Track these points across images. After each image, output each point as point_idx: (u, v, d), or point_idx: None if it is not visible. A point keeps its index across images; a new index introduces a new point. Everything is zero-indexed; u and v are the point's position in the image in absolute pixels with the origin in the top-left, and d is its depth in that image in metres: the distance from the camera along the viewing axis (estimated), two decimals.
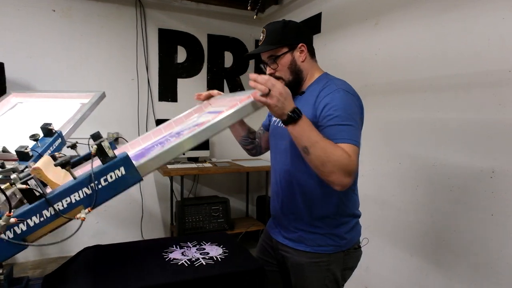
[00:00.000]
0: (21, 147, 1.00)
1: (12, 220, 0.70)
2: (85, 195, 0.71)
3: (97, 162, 1.06)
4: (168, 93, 3.34)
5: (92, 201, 0.71)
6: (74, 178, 0.72)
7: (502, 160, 1.52)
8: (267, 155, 1.46)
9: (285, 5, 3.20)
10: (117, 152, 1.06)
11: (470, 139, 1.65)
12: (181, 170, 2.91)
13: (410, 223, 1.98)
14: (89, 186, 0.71)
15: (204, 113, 1.27)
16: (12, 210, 0.71)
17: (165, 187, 3.34)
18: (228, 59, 3.57)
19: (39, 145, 1.07)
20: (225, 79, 3.58)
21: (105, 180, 0.72)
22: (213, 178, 3.58)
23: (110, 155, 0.73)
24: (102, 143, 0.72)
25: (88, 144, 1.08)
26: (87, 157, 1.05)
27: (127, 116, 3.17)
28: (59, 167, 0.96)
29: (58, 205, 0.69)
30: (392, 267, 2.10)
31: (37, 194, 0.68)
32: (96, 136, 1.09)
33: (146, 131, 3.21)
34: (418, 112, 1.91)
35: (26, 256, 2.80)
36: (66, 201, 0.70)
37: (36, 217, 0.68)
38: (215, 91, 1.35)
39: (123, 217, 3.16)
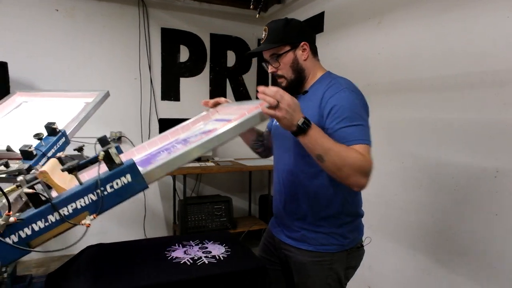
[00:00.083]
0: (25, 146, 1.00)
1: (12, 219, 0.70)
2: (90, 201, 0.71)
3: (102, 167, 1.08)
4: (170, 92, 3.34)
5: (97, 208, 0.71)
6: (81, 183, 0.72)
7: (506, 159, 1.52)
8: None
9: (288, 4, 3.19)
10: (123, 157, 1.07)
11: (474, 138, 1.64)
12: (184, 169, 2.92)
13: (412, 222, 1.98)
14: (94, 192, 0.71)
15: (211, 120, 1.27)
16: (17, 213, 0.72)
17: (168, 186, 3.35)
18: (231, 58, 3.57)
19: (43, 144, 1.08)
20: (228, 78, 3.58)
21: (111, 186, 0.72)
22: (215, 177, 3.59)
23: (117, 161, 0.73)
24: (110, 150, 0.72)
25: (95, 149, 1.09)
26: (93, 161, 1.08)
27: (130, 115, 3.18)
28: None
29: (63, 211, 0.69)
30: (395, 267, 2.10)
31: (43, 198, 0.68)
32: (103, 140, 1.11)
33: (149, 130, 3.23)
34: (421, 112, 1.91)
35: (30, 254, 2.78)
36: (72, 206, 0.70)
37: (41, 221, 0.68)
38: (222, 99, 1.33)
39: (126, 215, 3.18)
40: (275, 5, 3.29)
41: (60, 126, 1.16)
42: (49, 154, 1.07)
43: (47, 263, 2.77)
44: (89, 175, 1.04)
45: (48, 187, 0.83)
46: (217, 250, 1.29)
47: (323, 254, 1.21)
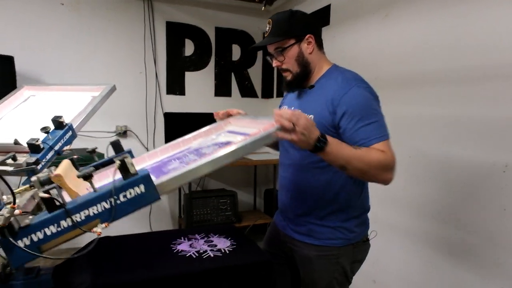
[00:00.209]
0: (32, 139, 1.01)
1: (17, 211, 0.71)
2: (103, 209, 0.72)
3: (106, 174, 1.09)
4: (176, 86, 3.34)
5: (110, 217, 0.72)
6: (95, 190, 0.73)
7: None
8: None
9: None
10: (134, 162, 1.10)
11: (482, 133, 1.62)
12: None
13: (419, 217, 1.97)
14: (108, 201, 0.72)
15: (223, 131, 1.27)
16: (30, 216, 0.72)
17: None
18: (236, 52, 3.55)
19: (50, 137, 1.08)
20: (233, 72, 3.57)
21: (124, 196, 0.73)
22: (221, 171, 3.59)
23: (132, 171, 0.73)
24: (126, 160, 0.73)
25: (106, 152, 1.12)
26: (105, 164, 1.10)
27: (135, 109, 3.18)
28: (76, 172, 0.98)
29: (76, 217, 0.70)
30: (401, 261, 2.10)
31: (57, 203, 0.69)
32: (116, 145, 1.12)
33: (154, 124, 3.24)
34: (429, 105, 1.89)
35: None
36: (85, 213, 0.71)
37: (54, 226, 0.69)
38: (234, 110, 1.32)
39: None
40: None
41: (67, 119, 1.16)
42: (56, 147, 1.07)
43: (54, 255, 2.80)
44: (99, 178, 1.07)
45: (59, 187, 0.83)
46: (223, 243, 1.29)
47: (330, 248, 1.21)
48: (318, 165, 1.18)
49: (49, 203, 0.68)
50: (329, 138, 0.98)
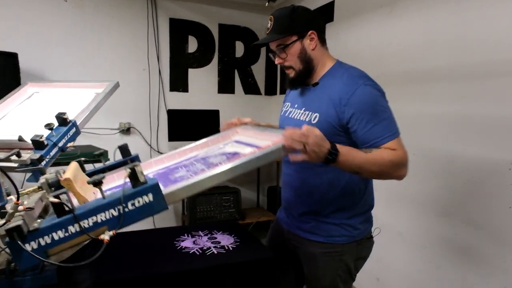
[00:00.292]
0: (36, 136, 1.01)
1: (21, 207, 0.70)
2: (111, 216, 0.72)
3: (112, 177, 1.10)
4: (179, 83, 3.34)
5: (117, 224, 0.72)
6: (104, 197, 0.73)
7: None
8: None
9: None
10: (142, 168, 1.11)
11: (488, 130, 1.61)
12: None
13: (423, 215, 1.96)
14: (116, 208, 0.72)
15: (231, 141, 1.26)
16: (38, 219, 0.73)
17: None
18: (239, 49, 3.54)
19: (54, 134, 1.08)
20: (236, 69, 3.56)
21: (133, 204, 0.73)
22: None
23: (141, 180, 0.74)
24: (136, 168, 0.73)
25: (114, 156, 1.13)
26: (111, 168, 1.12)
27: (138, 106, 3.19)
28: (84, 175, 0.99)
29: (84, 223, 0.70)
30: (404, 260, 2.09)
31: (67, 209, 0.69)
32: (123, 149, 1.13)
33: (158, 121, 3.24)
34: (433, 102, 1.87)
35: None
36: (93, 219, 0.71)
37: (62, 231, 0.69)
38: (245, 119, 1.33)
39: None
40: None
41: (70, 116, 1.16)
42: (60, 144, 1.07)
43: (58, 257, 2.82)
44: (105, 181, 1.07)
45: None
46: (226, 240, 1.29)
47: (334, 245, 1.21)
48: (323, 164, 1.17)
49: (58, 208, 0.69)
50: (339, 147, 0.98)
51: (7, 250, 0.70)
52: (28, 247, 0.67)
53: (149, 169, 1.13)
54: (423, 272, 1.96)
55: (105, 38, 3.00)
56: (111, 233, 0.71)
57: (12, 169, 0.98)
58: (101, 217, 0.71)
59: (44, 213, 0.84)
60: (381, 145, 1.06)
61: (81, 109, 1.27)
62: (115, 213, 0.72)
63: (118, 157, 1.15)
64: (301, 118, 1.22)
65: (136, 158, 1.16)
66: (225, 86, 3.53)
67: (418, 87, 1.97)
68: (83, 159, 1.03)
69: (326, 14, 2.67)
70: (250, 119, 1.34)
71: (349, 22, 2.49)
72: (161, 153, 3.28)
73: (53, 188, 0.89)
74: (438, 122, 1.85)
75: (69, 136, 1.12)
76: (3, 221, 0.71)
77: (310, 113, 1.18)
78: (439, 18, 1.82)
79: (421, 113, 1.94)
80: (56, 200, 0.68)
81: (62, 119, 1.11)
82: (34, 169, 0.95)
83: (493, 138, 1.59)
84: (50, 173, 0.97)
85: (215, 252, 1.19)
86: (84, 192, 0.85)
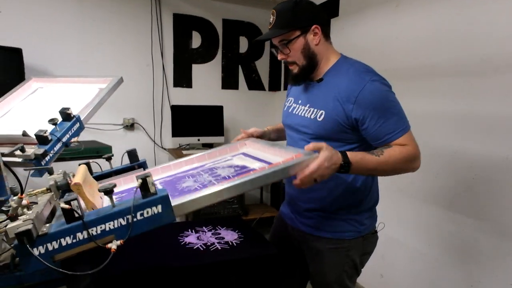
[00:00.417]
0: (40, 131, 1.01)
1: (24, 202, 0.70)
2: (119, 225, 0.72)
3: (119, 182, 1.10)
4: (183, 79, 3.33)
5: (125, 234, 0.72)
6: (113, 206, 0.74)
7: None
8: (285, 142, 1.43)
9: None
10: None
11: (495, 125, 1.59)
12: None
13: (428, 212, 1.94)
14: (125, 218, 0.72)
15: (239, 153, 1.27)
16: (47, 224, 0.73)
17: None
18: (243, 44, 3.52)
19: (58, 129, 1.08)
20: (240, 65, 3.54)
21: (141, 214, 0.73)
22: None
23: (152, 191, 0.74)
24: (148, 178, 0.73)
25: (121, 160, 1.16)
26: (118, 172, 1.14)
27: (142, 102, 3.19)
28: (92, 178, 0.99)
29: (92, 230, 0.70)
30: (408, 256, 2.08)
31: (76, 215, 0.69)
32: (132, 154, 1.15)
33: (161, 117, 3.24)
34: (439, 98, 1.85)
35: None
36: (101, 227, 0.71)
37: (70, 237, 0.69)
38: (256, 132, 1.36)
39: None
40: None
41: (74, 111, 1.16)
42: (64, 139, 1.07)
43: None
44: (109, 183, 1.07)
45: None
46: (230, 236, 1.29)
47: (340, 241, 1.21)
48: None
49: (68, 214, 0.69)
50: (351, 157, 0.99)
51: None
52: (35, 251, 0.67)
53: (156, 176, 1.14)
54: (427, 268, 1.95)
55: (109, 33, 3.00)
56: (118, 242, 0.71)
57: (17, 164, 0.98)
58: (109, 225, 0.72)
59: (50, 216, 0.84)
60: (392, 141, 1.06)
61: (85, 104, 1.27)
62: (124, 222, 0.72)
63: (126, 161, 1.18)
64: (306, 115, 1.20)
65: (143, 164, 1.17)
66: (229, 82, 3.52)
67: (424, 82, 1.94)
68: (91, 161, 1.04)
69: (331, 9, 2.65)
70: (254, 129, 1.36)
71: (355, 17, 2.47)
72: (164, 149, 3.29)
73: (61, 191, 0.90)
74: (443, 117, 1.83)
75: (73, 131, 1.12)
76: (2, 217, 0.71)
77: (316, 110, 1.16)
78: (445, 13, 1.80)
79: (427, 108, 1.92)
80: (67, 206, 0.68)
81: (66, 114, 1.11)
82: (42, 169, 0.95)
83: (498, 135, 1.57)
84: (58, 174, 0.98)
85: (219, 248, 1.18)
86: (92, 197, 0.86)
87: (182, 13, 3.23)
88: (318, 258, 1.25)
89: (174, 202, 0.78)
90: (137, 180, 0.73)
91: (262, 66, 3.63)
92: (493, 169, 1.60)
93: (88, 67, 2.92)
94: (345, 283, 1.24)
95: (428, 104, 1.91)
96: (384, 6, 2.20)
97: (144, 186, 0.73)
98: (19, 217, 0.72)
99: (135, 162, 1.17)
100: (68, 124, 1.11)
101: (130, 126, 3.13)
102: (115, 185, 0.74)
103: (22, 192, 0.68)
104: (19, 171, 0.90)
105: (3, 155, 0.93)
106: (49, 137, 1.02)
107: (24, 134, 1.05)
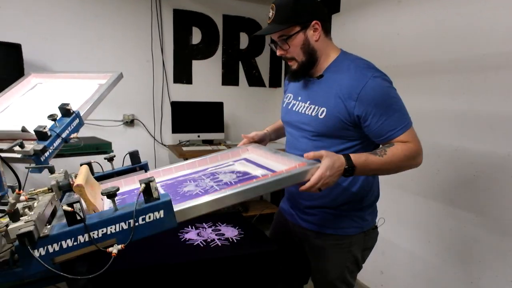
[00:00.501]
0: (40, 126, 1.00)
1: (22, 197, 0.70)
2: (121, 229, 0.72)
3: (120, 183, 1.10)
4: (183, 75, 3.32)
5: (127, 238, 0.72)
6: (116, 209, 0.73)
7: None
8: (284, 139, 1.42)
9: None
10: (148, 175, 1.12)
11: (496, 122, 1.58)
12: (196, 152, 2.92)
13: (428, 208, 1.94)
14: (127, 222, 0.72)
15: (241, 158, 1.27)
16: (48, 225, 0.73)
17: None
18: (244, 40, 3.50)
19: (57, 125, 1.07)
20: (240, 61, 3.53)
21: (143, 219, 0.73)
22: None
23: (154, 196, 0.74)
24: (151, 183, 0.73)
25: (123, 161, 1.16)
26: (119, 173, 1.14)
27: (142, 98, 3.17)
28: (93, 180, 0.99)
29: (93, 233, 0.70)
30: (409, 253, 2.08)
31: (78, 218, 0.69)
32: (133, 155, 1.15)
33: (161, 113, 3.23)
34: (442, 94, 1.84)
35: None
36: (102, 231, 0.71)
37: (71, 240, 0.69)
38: (251, 134, 1.36)
39: None
40: None
41: (74, 107, 1.15)
42: (63, 135, 1.07)
43: None
44: (112, 185, 1.06)
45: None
46: (230, 232, 1.29)
47: (343, 237, 1.21)
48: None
49: (70, 217, 0.69)
50: (354, 160, 1.00)
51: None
52: (36, 253, 0.66)
53: (158, 179, 1.15)
54: (427, 265, 1.95)
55: (108, 29, 2.98)
56: (119, 247, 0.71)
57: (16, 160, 0.97)
58: (111, 229, 0.71)
59: (50, 216, 0.84)
60: (395, 137, 1.06)
61: (85, 100, 1.26)
62: (125, 226, 0.72)
63: (127, 162, 1.18)
64: (306, 112, 1.18)
65: (145, 166, 1.17)
66: (229, 78, 3.50)
67: (425, 79, 1.93)
68: (92, 161, 1.04)
69: (332, 4, 2.63)
70: (255, 132, 1.37)
71: (356, 12, 2.45)
72: (164, 145, 3.28)
73: (61, 191, 0.89)
74: (444, 114, 1.82)
75: (72, 127, 1.12)
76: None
77: (316, 107, 1.15)
78: (447, 9, 1.78)
79: (428, 105, 1.91)
80: (69, 208, 0.67)
81: (65, 110, 1.11)
82: (44, 167, 0.95)
83: (499, 132, 1.56)
84: (59, 173, 0.97)
85: (219, 244, 1.18)
86: (93, 199, 0.85)
87: (182, 9, 3.21)
88: (320, 255, 1.25)
89: (176, 207, 0.78)
90: (140, 184, 0.73)
91: (263, 62, 3.62)
92: (494, 166, 1.60)
93: (88, 62, 2.91)
94: (347, 279, 1.25)
95: (429, 101, 1.91)
96: (385, 2, 2.18)
97: (147, 190, 0.73)
98: (20, 218, 0.72)
99: (136, 163, 1.18)
100: (68, 120, 1.10)
101: (130, 122, 3.12)
102: (118, 189, 0.73)
103: (20, 188, 0.68)
104: (20, 167, 0.90)
105: (2, 151, 0.93)
106: (49, 133, 1.01)
107: (23, 129, 1.04)
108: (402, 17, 2.07)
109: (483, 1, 1.61)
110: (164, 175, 1.19)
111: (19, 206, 0.75)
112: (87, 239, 0.69)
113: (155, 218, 0.73)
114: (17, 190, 0.68)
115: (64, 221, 0.70)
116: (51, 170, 0.97)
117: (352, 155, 1.01)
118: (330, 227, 1.21)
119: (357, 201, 1.20)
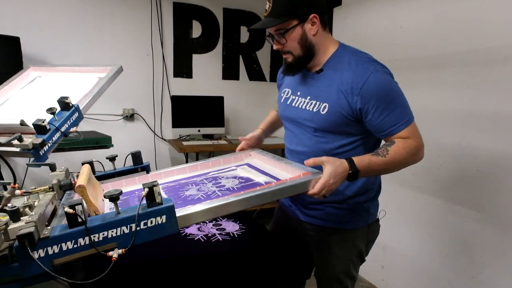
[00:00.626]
0: (39, 120, 0.99)
1: (18, 192, 0.69)
2: (122, 233, 0.71)
3: (121, 183, 1.10)
4: (183, 69, 3.30)
5: (128, 242, 0.71)
6: (118, 213, 0.72)
7: None
8: (281, 132, 1.41)
9: None
10: (149, 177, 1.14)
11: (499, 118, 1.57)
12: (197, 147, 2.92)
13: (430, 203, 1.93)
14: (128, 226, 0.71)
15: (243, 163, 1.27)
16: (48, 227, 0.72)
17: (181, 163, 3.36)
18: (244, 34, 3.48)
19: (56, 118, 1.06)
20: (241, 55, 3.50)
21: (145, 224, 0.72)
22: None
23: (157, 200, 0.73)
24: (155, 188, 0.72)
25: (125, 161, 1.17)
26: (121, 173, 1.14)
27: (142, 92, 3.16)
28: (95, 180, 0.98)
29: (94, 237, 0.69)
30: (410, 248, 2.08)
31: (79, 220, 0.68)
32: (136, 156, 1.15)
33: (161, 107, 3.22)
34: (445, 89, 1.83)
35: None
36: (103, 234, 0.70)
37: (71, 242, 0.68)
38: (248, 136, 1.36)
39: None
40: None
41: (73, 100, 1.14)
42: (63, 128, 1.05)
43: None
44: (113, 186, 1.09)
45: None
46: (231, 227, 1.28)
47: (347, 230, 1.20)
48: (334, 152, 1.13)
49: (71, 219, 0.68)
50: (357, 163, 0.99)
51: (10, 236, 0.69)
52: (35, 255, 0.65)
53: (159, 181, 1.13)
54: (429, 260, 1.95)
55: (108, 22, 2.96)
56: (120, 251, 0.70)
57: (15, 154, 0.96)
58: (112, 232, 0.70)
59: (50, 216, 0.83)
60: (396, 133, 1.05)
61: (84, 94, 1.24)
62: (126, 230, 0.71)
63: (129, 162, 1.18)
64: (307, 108, 1.16)
65: (147, 167, 1.17)
66: (229, 72, 3.48)
67: (428, 73, 1.92)
68: (94, 160, 1.04)
69: None
70: (251, 134, 1.38)
71: (358, 5, 2.42)
72: (165, 140, 3.27)
73: (62, 190, 0.89)
74: (447, 109, 1.81)
75: (71, 121, 1.10)
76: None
77: (318, 102, 1.13)
78: (450, 2, 1.76)
79: (430, 99, 1.89)
80: (71, 210, 0.67)
81: (64, 104, 1.09)
82: (44, 165, 0.94)
83: (503, 127, 1.55)
84: (61, 171, 0.96)
85: (220, 239, 1.18)
86: (95, 199, 0.84)
87: (182, 2, 3.18)
88: (325, 250, 1.24)
89: (178, 212, 0.77)
90: (144, 188, 0.72)
91: (263, 56, 3.59)
92: (497, 162, 1.59)
93: (87, 56, 2.89)
94: (351, 272, 1.25)
95: (432, 96, 1.89)
96: None
97: (151, 195, 0.72)
98: (21, 218, 0.71)
99: (138, 164, 1.17)
100: (67, 113, 1.09)
101: (130, 116, 3.11)
102: (121, 192, 0.72)
103: (15, 182, 0.67)
104: (18, 161, 0.89)
105: (0, 144, 0.92)
106: (48, 127, 1.00)
107: (22, 123, 1.03)
108: (405, 10, 2.05)
109: None
110: (165, 177, 1.19)
111: (18, 204, 0.74)
112: (87, 242, 0.69)
113: (157, 223, 0.73)
114: (12, 184, 0.67)
115: (65, 221, 0.69)
116: (52, 168, 0.96)
117: (355, 159, 0.99)
118: (335, 222, 1.20)
119: (362, 194, 1.19)
